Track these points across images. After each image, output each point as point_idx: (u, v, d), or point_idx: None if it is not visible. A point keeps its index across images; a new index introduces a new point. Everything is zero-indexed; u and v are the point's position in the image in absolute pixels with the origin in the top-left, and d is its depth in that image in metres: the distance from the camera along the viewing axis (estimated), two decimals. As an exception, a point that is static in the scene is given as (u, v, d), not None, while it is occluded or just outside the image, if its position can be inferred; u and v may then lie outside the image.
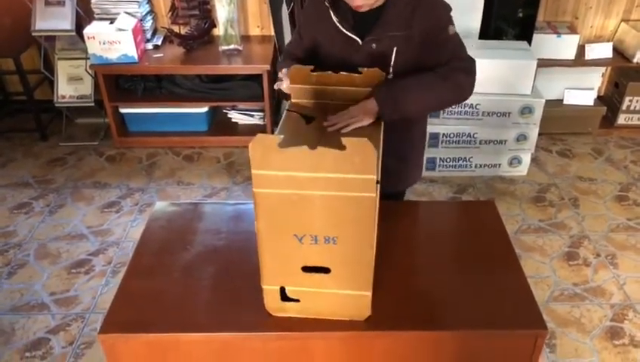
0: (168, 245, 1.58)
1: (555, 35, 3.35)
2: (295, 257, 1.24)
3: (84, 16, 3.31)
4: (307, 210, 1.17)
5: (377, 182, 1.15)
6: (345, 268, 1.25)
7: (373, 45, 1.57)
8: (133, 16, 3.23)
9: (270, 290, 1.31)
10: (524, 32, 3.30)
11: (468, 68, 1.57)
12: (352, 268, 1.25)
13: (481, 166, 3.20)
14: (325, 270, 1.25)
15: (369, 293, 1.28)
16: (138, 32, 3.23)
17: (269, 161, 1.12)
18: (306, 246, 1.22)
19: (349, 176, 1.11)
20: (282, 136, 1.11)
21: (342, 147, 1.08)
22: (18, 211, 2.93)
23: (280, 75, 1.57)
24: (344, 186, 1.13)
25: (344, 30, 1.58)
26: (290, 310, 1.33)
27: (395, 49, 1.56)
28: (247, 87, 3.37)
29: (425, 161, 3.17)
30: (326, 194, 1.14)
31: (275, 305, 1.33)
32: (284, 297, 1.31)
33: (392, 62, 1.58)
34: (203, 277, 1.47)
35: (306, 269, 1.26)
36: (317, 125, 1.43)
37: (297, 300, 1.31)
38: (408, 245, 1.59)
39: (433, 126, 3.07)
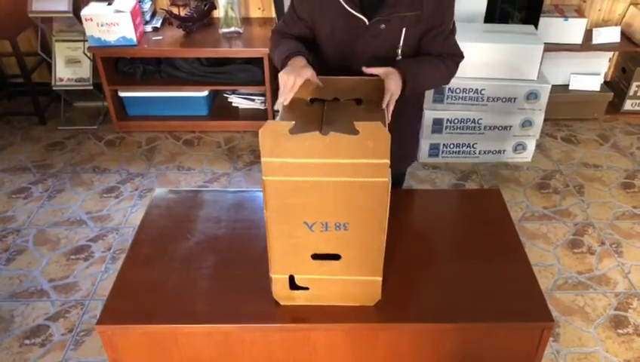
0: (168, 233, 1.55)
1: (562, 19, 3.28)
2: (305, 245, 1.23)
3: (81, -3, 3.25)
4: (319, 196, 1.15)
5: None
6: (356, 254, 1.23)
7: (382, 26, 1.53)
8: (131, -3, 3.16)
9: (279, 279, 1.29)
10: (531, 15, 3.23)
11: (459, 62, 1.66)
12: (363, 253, 1.23)
13: (485, 152, 3.16)
14: (335, 257, 1.24)
15: (380, 278, 1.28)
16: (137, 13, 3.16)
17: (281, 148, 1.09)
18: (316, 234, 1.20)
19: (363, 161, 1.09)
20: (293, 123, 1.08)
21: (355, 131, 1.05)
22: (17, 196, 2.90)
23: (282, 88, 1.38)
24: (357, 172, 1.11)
25: (350, 10, 1.52)
26: (299, 298, 1.32)
27: (404, 30, 1.53)
28: (247, 71, 3.31)
29: (428, 147, 3.13)
30: (339, 180, 1.12)
31: (284, 293, 1.31)
32: (293, 286, 1.30)
33: (400, 44, 1.55)
34: (203, 267, 1.44)
35: (316, 257, 1.24)
36: (320, 106, 1.37)
37: (307, 288, 1.30)
38: (413, 234, 1.56)
39: (437, 112, 3.02)
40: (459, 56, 1.64)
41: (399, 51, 1.56)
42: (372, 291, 1.31)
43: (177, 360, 1.36)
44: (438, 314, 1.34)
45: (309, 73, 1.39)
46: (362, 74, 1.46)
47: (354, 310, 1.32)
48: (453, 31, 1.62)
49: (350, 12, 1.53)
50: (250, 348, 1.35)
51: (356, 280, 1.28)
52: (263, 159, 1.11)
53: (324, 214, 1.18)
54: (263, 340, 1.34)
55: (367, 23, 1.53)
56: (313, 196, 1.15)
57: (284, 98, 1.35)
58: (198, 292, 1.38)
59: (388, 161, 1.10)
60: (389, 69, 1.44)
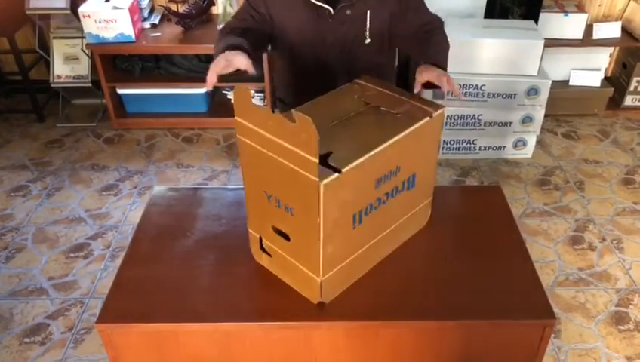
0: (167, 231, 1.54)
1: (562, 14, 3.26)
2: (266, 214, 1.27)
3: (79, -7, 3.23)
4: (271, 171, 1.17)
5: (334, 169, 1.10)
6: (299, 241, 1.23)
7: (348, 12, 1.57)
8: (129, -7, 3.14)
9: (252, 235, 1.36)
10: (531, 10, 3.22)
11: (442, 25, 1.71)
12: (304, 246, 1.22)
13: (485, 148, 3.15)
14: (287, 236, 1.25)
15: (318, 279, 1.24)
16: (135, 10, 3.15)
17: (246, 111, 1.16)
18: (273, 207, 1.23)
19: (296, 150, 1.09)
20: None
21: (293, 119, 1.05)
22: (15, 194, 2.89)
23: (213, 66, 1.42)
24: (294, 159, 1.10)
25: (315, 1, 1.56)
26: (264, 261, 1.38)
27: (368, 12, 1.58)
28: (247, 68, 3.29)
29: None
30: (284, 162, 1.13)
31: (255, 249, 1.38)
32: (262, 248, 1.35)
33: (367, 27, 1.60)
34: (203, 265, 1.43)
35: (274, 229, 1.27)
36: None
37: (270, 255, 1.34)
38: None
39: (437, 107, 3.01)
40: (439, 21, 1.70)
41: (367, 34, 1.61)
42: (312, 287, 1.27)
43: (177, 358, 1.35)
44: (439, 311, 1.33)
45: (243, 63, 1.41)
46: (336, 63, 1.56)
47: (355, 307, 1.31)
48: (421, 1, 1.68)
49: (314, 3, 1.56)
50: (251, 346, 1.34)
51: (302, 270, 1.27)
52: (235, 118, 1.19)
53: (277, 191, 1.20)
54: (264, 338, 1.33)
55: (332, 11, 1.57)
56: (268, 169, 1.18)
57: (209, 77, 1.38)
58: (199, 290, 1.37)
59: (316, 160, 1.05)
60: (431, 73, 1.47)
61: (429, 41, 1.63)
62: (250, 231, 1.37)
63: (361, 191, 1.20)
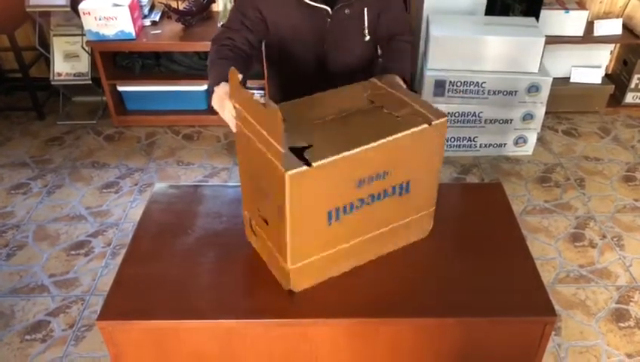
0: (168, 229, 1.54)
1: (563, 11, 3.26)
2: (253, 196, 1.33)
3: (79, -10, 3.22)
4: (254, 155, 1.21)
5: (306, 162, 1.12)
6: (273, 229, 1.27)
7: (347, 11, 1.58)
8: (129, -9, 3.14)
9: (245, 215, 1.44)
10: (532, 7, 3.21)
11: (410, 41, 1.77)
12: (276, 233, 1.25)
13: (486, 146, 3.14)
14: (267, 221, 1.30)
15: (286, 267, 1.26)
16: (135, 7, 3.14)
17: (235, 93, 1.26)
18: (256, 190, 1.29)
19: (269, 138, 1.13)
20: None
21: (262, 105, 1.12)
22: (16, 192, 2.89)
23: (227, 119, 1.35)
24: (267, 146, 1.15)
25: (312, 3, 1.55)
26: (252, 240, 1.45)
27: (366, 10, 1.60)
28: (247, 65, 3.29)
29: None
30: (260, 148, 1.17)
31: (247, 230, 1.46)
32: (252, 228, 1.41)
33: (365, 25, 1.62)
34: (204, 262, 1.43)
35: (259, 213, 1.32)
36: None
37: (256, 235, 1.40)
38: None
39: (438, 105, 2.96)
40: (409, 35, 1.77)
41: (366, 32, 1.63)
42: (283, 274, 1.30)
43: (178, 355, 1.36)
44: (440, 308, 1.33)
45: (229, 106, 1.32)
46: (336, 65, 1.60)
47: (354, 304, 1.31)
48: (402, 10, 1.72)
49: (312, 5, 1.55)
50: (252, 343, 1.34)
51: (274, 255, 1.30)
52: (230, 99, 1.30)
53: (258, 175, 1.25)
54: (265, 335, 1.33)
55: (330, 11, 1.56)
56: (251, 152, 1.22)
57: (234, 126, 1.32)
58: (199, 287, 1.37)
59: (281, 149, 1.08)
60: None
61: (402, 52, 1.70)
62: (244, 211, 1.44)
63: (338, 188, 1.20)
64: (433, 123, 1.26)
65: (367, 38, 1.65)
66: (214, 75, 1.50)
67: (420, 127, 1.24)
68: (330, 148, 1.15)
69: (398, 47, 1.72)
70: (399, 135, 1.22)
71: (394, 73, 1.57)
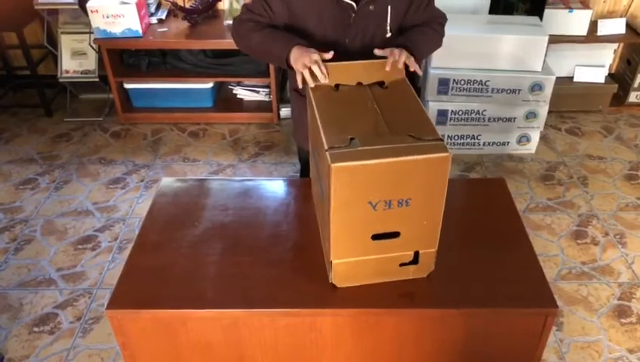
0: (175, 221, 1.57)
1: (566, 10, 3.27)
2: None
3: (87, -11, 3.25)
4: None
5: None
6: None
7: (371, 7, 1.60)
8: (136, -11, 3.17)
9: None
10: (536, 6, 3.23)
11: (444, 23, 1.77)
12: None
13: (489, 144, 3.16)
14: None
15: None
16: (142, 5, 3.17)
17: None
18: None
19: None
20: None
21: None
22: (24, 187, 2.92)
23: (309, 67, 1.46)
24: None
25: None
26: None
27: (389, 7, 1.61)
28: (252, 63, 3.32)
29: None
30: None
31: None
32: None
33: (388, 22, 1.63)
34: (210, 253, 1.46)
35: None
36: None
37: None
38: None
39: (441, 103, 3.03)
40: (442, 17, 1.76)
41: (388, 28, 1.64)
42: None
43: (185, 344, 1.38)
44: (443, 299, 1.35)
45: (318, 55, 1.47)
46: (357, 58, 1.54)
47: (359, 295, 1.34)
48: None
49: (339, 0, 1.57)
50: (258, 332, 1.37)
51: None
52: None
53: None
54: (270, 325, 1.36)
55: (355, 7, 1.58)
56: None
57: (321, 76, 1.44)
58: (206, 277, 1.40)
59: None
60: (394, 49, 1.52)
61: (417, 29, 1.68)
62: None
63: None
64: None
65: (389, 34, 1.65)
66: (280, 37, 1.58)
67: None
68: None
69: (420, 27, 1.69)
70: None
71: (407, 47, 1.55)
